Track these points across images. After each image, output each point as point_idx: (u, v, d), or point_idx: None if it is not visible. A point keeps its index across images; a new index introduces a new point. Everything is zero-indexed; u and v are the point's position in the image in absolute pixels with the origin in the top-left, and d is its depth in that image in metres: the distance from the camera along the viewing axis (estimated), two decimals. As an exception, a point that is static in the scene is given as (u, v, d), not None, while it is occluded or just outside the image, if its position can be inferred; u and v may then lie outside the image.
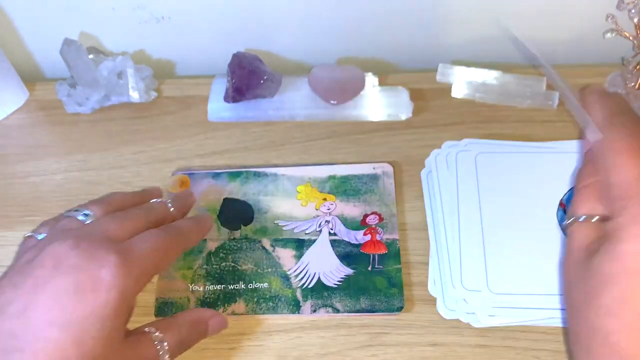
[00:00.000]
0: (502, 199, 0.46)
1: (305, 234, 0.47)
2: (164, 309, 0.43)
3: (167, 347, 0.35)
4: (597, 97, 0.35)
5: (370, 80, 0.55)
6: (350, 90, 0.54)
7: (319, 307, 0.43)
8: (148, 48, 0.61)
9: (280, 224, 0.47)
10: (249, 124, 0.54)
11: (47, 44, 0.58)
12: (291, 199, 0.48)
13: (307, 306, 0.43)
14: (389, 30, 0.59)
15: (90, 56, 0.55)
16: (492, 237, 0.44)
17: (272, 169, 0.50)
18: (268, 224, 0.47)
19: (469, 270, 0.43)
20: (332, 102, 0.54)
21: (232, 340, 0.42)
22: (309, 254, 0.45)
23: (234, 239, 0.47)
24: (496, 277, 0.43)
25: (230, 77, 0.53)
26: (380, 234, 0.46)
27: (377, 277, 0.44)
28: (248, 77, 0.53)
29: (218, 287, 0.44)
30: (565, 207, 0.44)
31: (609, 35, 0.48)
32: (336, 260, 0.45)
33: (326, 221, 0.47)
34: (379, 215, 0.47)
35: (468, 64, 0.56)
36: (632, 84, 0.51)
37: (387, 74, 0.57)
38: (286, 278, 0.44)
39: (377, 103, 0.54)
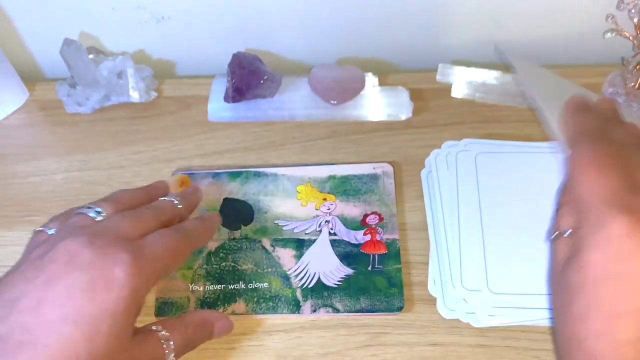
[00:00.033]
0: (502, 199, 0.46)
1: (305, 234, 0.47)
2: (164, 308, 0.43)
3: (173, 347, 0.35)
4: (571, 113, 0.36)
5: (370, 80, 0.55)
6: (350, 90, 0.54)
7: (319, 307, 0.43)
8: (148, 48, 0.61)
9: (280, 224, 0.47)
10: (249, 124, 0.54)
11: (47, 44, 0.58)
12: (291, 199, 0.48)
13: (307, 306, 0.43)
14: (389, 30, 0.59)
15: (90, 56, 0.55)
16: (492, 237, 0.44)
17: (272, 169, 0.50)
18: (268, 224, 0.47)
19: (468, 270, 0.43)
20: (332, 102, 0.54)
21: (232, 340, 0.42)
22: (309, 254, 0.45)
23: (234, 239, 0.47)
24: (496, 277, 0.43)
25: (230, 77, 0.53)
26: (380, 234, 0.46)
27: (377, 277, 0.44)
28: (248, 77, 0.53)
29: (218, 287, 0.44)
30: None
31: (609, 35, 0.48)
32: (336, 260, 0.45)
33: (326, 221, 0.47)
34: (379, 215, 0.47)
35: (468, 64, 0.56)
36: (632, 84, 0.51)
37: (387, 74, 0.57)
38: (286, 278, 0.44)
39: (377, 103, 0.54)
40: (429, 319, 0.43)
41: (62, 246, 0.32)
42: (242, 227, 0.47)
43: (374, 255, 0.45)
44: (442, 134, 0.52)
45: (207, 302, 0.44)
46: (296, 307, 0.43)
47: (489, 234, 0.44)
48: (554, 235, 0.33)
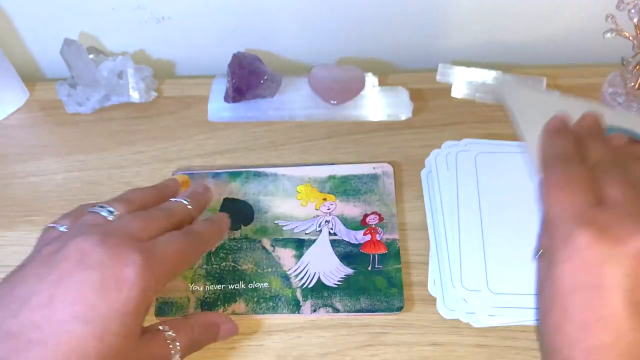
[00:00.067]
0: (502, 199, 0.46)
1: (305, 234, 0.47)
2: (164, 308, 0.43)
3: (179, 347, 0.35)
4: (547, 136, 0.38)
5: (370, 80, 0.55)
6: (350, 90, 0.54)
7: (319, 307, 0.43)
8: (148, 48, 0.61)
9: (280, 224, 0.47)
10: (249, 124, 0.55)
11: (47, 44, 0.58)
12: (291, 199, 0.48)
13: (307, 306, 0.43)
14: (389, 30, 0.59)
15: (91, 56, 0.55)
16: (492, 236, 0.44)
17: (272, 169, 0.50)
18: (268, 224, 0.47)
19: (468, 270, 0.43)
20: (332, 102, 0.54)
21: (232, 340, 0.42)
22: (309, 253, 0.45)
23: (234, 238, 0.47)
24: (496, 277, 0.43)
25: (230, 77, 0.53)
26: (380, 234, 0.46)
27: (377, 277, 0.44)
28: (248, 77, 0.53)
29: (218, 287, 0.44)
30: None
31: (609, 35, 0.48)
32: (336, 260, 0.45)
33: (326, 221, 0.47)
34: (379, 215, 0.47)
35: (468, 64, 0.56)
36: (632, 84, 0.51)
37: (387, 74, 0.57)
38: (286, 278, 0.44)
39: (377, 103, 0.54)
40: (429, 319, 0.43)
41: (73, 244, 0.32)
42: (242, 227, 0.47)
43: (374, 255, 0.45)
44: (442, 134, 0.52)
45: (207, 302, 0.44)
46: (296, 307, 0.43)
47: (488, 233, 0.44)
48: (537, 255, 0.35)
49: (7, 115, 0.56)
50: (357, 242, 0.46)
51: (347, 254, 0.45)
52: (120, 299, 0.31)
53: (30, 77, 0.60)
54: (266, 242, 0.46)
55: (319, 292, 0.44)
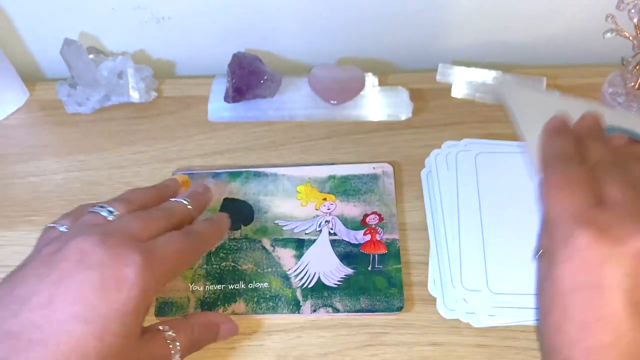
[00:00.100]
0: (502, 199, 0.46)
1: (305, 234, 0.47)
2: (164, 308, 0.43)
3: (179, 347, 0.35)
4: (547, 137, 0.38)
5: (370, 80, 0.55)
6: (350, 90, 0.54)
7: (319, 307, 0.43)
8: (148, 48, 0.61)
9: (280, 224, 0.47)
10: (249, 124, 0.55)
11: (47, 44, 0.58)
12: (291, 199, 0.48)
13: (307, 306, 0.43)
14: (389, 30, 0.59)
15: (91, 56, 0.55)
16: (492, 236, 0.44)
17: (272, 169, 0.50)
18: (268, 224, 0.47)
19: (468, 270, 0.43)
20: (332, 102, 0.54)
21: (232, 340, 0.42)
22: (309, 254, 0.45)
23: (234, 238, 0.47)
24: (496, 277, 0.43)
25: (230, 77, 0.53)
26: (380, 234, 0.46)
27: (377, 277, 0.44)
28: (248, 77, 0.53)
29: (218, 287, 0.44)
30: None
31: (609, 35, 0.48)
32: (336, 260, 0.45)
33: (326, 221, 0.47)
34: (379, 215, 0.47)
35: (468, 64, 0.56)
36: (632, 84, 0.51)
37: (387, 74, 0.57)
38: (286, 278, 0.44)
39: (377, 103, 0.54)
40: (429, 319, 0.43)
41: (73, 244, 0.32)
42: (242, 227, 0.47)
43: (374, 255, 0.45)
44: (442, 134, 0.52)
45: (207, 302, 0.44)
46: (296, 307, 0.43)
47: (488, 233, 0.44)
48: (537, 255, 0.35)
49: (7, 115, 0.56)
50: (357, 242, 0.46)
51: (347, 254, 0.45)
52: (120, 299, 0.31)
53: (30, 77, 0.60)
54: (266, 242, 0.46)
55: (319, 292, 0.44)
